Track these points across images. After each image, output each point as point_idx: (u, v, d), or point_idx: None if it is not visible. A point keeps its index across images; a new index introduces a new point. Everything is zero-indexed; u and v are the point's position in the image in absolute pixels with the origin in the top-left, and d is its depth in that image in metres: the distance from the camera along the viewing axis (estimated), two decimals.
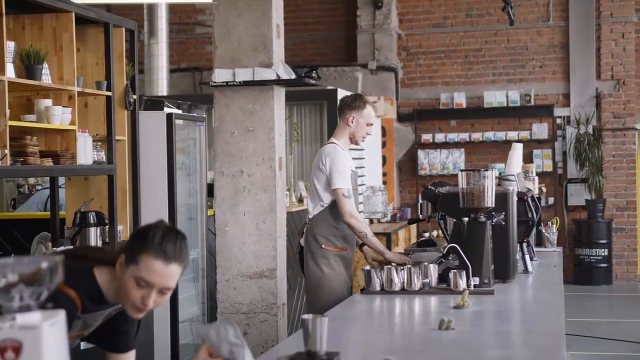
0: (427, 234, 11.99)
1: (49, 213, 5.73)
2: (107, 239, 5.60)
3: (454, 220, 4.55)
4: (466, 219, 4.40)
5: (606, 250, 12.24)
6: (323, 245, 5.20)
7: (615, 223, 12.53)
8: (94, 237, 5.40)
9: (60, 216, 5.66)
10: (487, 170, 4.43)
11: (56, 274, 1.76)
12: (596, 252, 12.23)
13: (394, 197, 12.60)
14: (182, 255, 2.62)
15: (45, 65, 4.91)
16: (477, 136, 12.76)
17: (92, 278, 2.68)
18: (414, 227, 11.14)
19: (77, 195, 5.73)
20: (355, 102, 5.33)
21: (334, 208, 5.17)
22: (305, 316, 2.71)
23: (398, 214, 10.92)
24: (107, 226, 5.57)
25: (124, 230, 5.85)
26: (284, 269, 6.19)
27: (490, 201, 4.40)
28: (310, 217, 5.31)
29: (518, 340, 3.22)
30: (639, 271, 12.75)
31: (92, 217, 5.41)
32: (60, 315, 1.77)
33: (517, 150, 5.59)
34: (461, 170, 4.46)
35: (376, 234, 8.92)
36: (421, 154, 12.92)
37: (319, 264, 5.21)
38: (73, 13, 5.15)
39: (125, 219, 5.87)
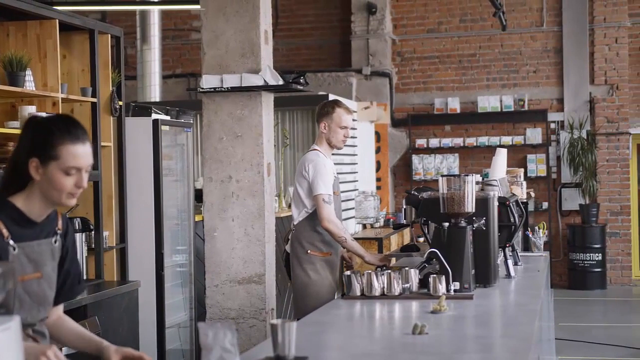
0: (421, 239, 11.99)
1: None
2: (92, 245, 5.62)
3: (435, 225, 4.56)
4: (446, 224, 4.41)
5: (600, 254, 12.25)
6: (309, 251, 5.26)
7: (609, 227, 12.53)
8: (80, 243, 5.41)
9: None
10: (468, 175, 4.44)
11: (9, 280, 1.78)
12: (590, 256, 12.23)
13: (388, 202, 12.61)
14: (86, 132, 2.74)
15: (28, 72, 4.93)
16: (471, 141, 12.78)
17: (9, 204, 2.68)
18: (407, 232, 11.14)
19: None
20: (324, 108, 5.41)
21: None
22: (274, 321, 2.74)
23: (392, 219, 10.92)
24: (92, 232, 5.59)
25: (109, 237, 5.86)
26: (273, 274, 6.20)
27: (470, 206, 4.41)
28: (295, 223, 5.38)
29: (488, 345, 3.23)
30: (633, 276, 12.76)
31: (77, 223, 5.42)
32: (14, 321, 1.78)
33: (501, 155, 5.61)
34: (442, 176, 4.48)
35: (368, 239, 9.00)
36: (415, 159, 12.93)
37: (306, 269, 5.25)
38: (57, 20, 5.17)
39: (111, 225, 5.88)
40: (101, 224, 5.66)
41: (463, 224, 4.42)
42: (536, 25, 12.82)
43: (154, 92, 10.54)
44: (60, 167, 2.65)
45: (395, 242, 9.95)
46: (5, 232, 2.62)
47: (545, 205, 12.54)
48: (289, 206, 8.16)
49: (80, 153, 2.67)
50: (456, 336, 3.40)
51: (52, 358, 2.50)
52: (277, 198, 7.90)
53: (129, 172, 6.08)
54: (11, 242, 2.63)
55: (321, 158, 5.26)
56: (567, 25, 12.65)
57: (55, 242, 2.79)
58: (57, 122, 2.69)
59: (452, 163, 12.84)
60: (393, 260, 5.34)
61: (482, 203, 4.55)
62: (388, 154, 12.71)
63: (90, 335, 2.93)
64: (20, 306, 2.61)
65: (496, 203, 4.70)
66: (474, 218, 4.50)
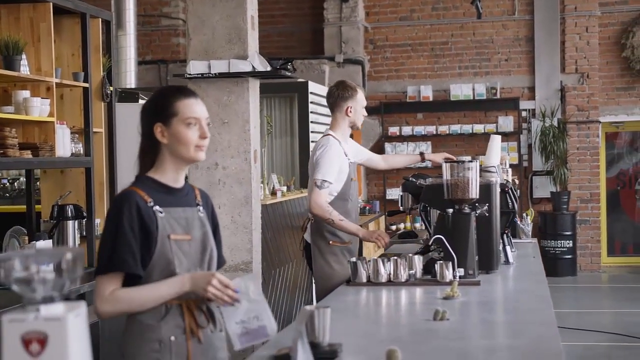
0: (402, 226, 12.05)
1: (24, 207, 5.64)
2: (84, 232, 5.53)
3: (438, 211, 4.55)
4: (450, 210, 4.41)
5: (571, 241, 12.39)
6: (331, 242, 5.14)
7: (580, 215, 12.68)
8: (72, 230, 5.32)
9: (36, 209, 5.57)
10: (472, 161, 4.44)
11: (79, 265, 1.74)
12: (561, 243, 12.37)
13: (361, 190, 12.62)
14: (196, 93, 2.94)
15: (23, 56, 4.83)
16: (443, 129, 12.82)
17: (146, 177, 2.88)
18: (382, 219, 11.17)
19: (53, 188, 5.64)
20: (347, 91, 5.33)
21: (338, 202, 5.11)
22: (309, 307, 2.71)
23: (367, 207, 10.94)
24: (85, 219, 5.50)
25: (101, 224, 5.77)
26: (259, 262, 6.17)
27: (474, 192, 4.41)
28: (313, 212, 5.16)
29: (513, 330, 3.23)
30: (602, 262, 12.93)
31: (69, 211, 5.33)
32: (82, 307, 1.74)
33: (496, 142, 5.62)
34: (445, 162, 4.47)
35: None
36: (388, 147, 12.95)
37: (328, 260, 5.11)
38: (51, 3, 5.07)
39: (102, 212, 5.79)
40: (93, 210, 5.56)
41: (467, 210, 4.42)
42: (508, 13, 12.89)
43: (130, 78, 10.38)
44: (181, 120, 2.82)
45: (372, 229, 9.96)
46: (148, 199, 2.80)
47: (517, 192, 12.62)
48: (272, 194, 8.13)
49: (194, 105, 2.85)
50: (477, 322, 3.40)
51: (217, 284, 2.69)
52: (261, 185, 7.85)
53: (120, 158, 6.00)
54: (156, 207, 2.81)
55: (332, 143, 5.15)
56: (539, 13, 12.73)
57: (200, 212, 2.92)
58: (167, 88, 2.93)
59: (424, 151, 12.86)
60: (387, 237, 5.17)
61: (485, 189, 4.56)
62: (361, 141, 12.67)
63: None
64: (179, 264, 2.79)
65: (498, 189, 4.72)
66: (476, 204, 4.50)
